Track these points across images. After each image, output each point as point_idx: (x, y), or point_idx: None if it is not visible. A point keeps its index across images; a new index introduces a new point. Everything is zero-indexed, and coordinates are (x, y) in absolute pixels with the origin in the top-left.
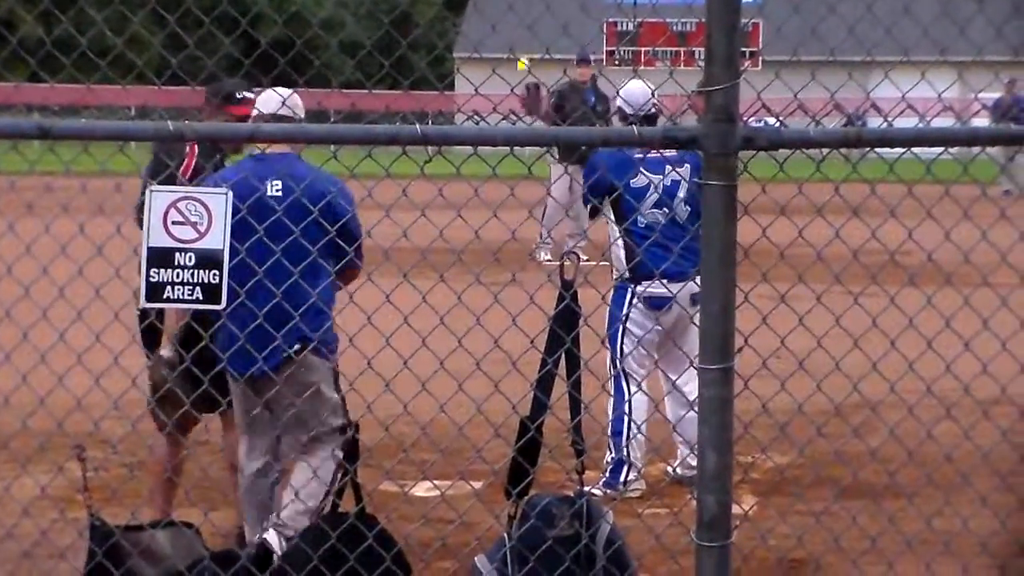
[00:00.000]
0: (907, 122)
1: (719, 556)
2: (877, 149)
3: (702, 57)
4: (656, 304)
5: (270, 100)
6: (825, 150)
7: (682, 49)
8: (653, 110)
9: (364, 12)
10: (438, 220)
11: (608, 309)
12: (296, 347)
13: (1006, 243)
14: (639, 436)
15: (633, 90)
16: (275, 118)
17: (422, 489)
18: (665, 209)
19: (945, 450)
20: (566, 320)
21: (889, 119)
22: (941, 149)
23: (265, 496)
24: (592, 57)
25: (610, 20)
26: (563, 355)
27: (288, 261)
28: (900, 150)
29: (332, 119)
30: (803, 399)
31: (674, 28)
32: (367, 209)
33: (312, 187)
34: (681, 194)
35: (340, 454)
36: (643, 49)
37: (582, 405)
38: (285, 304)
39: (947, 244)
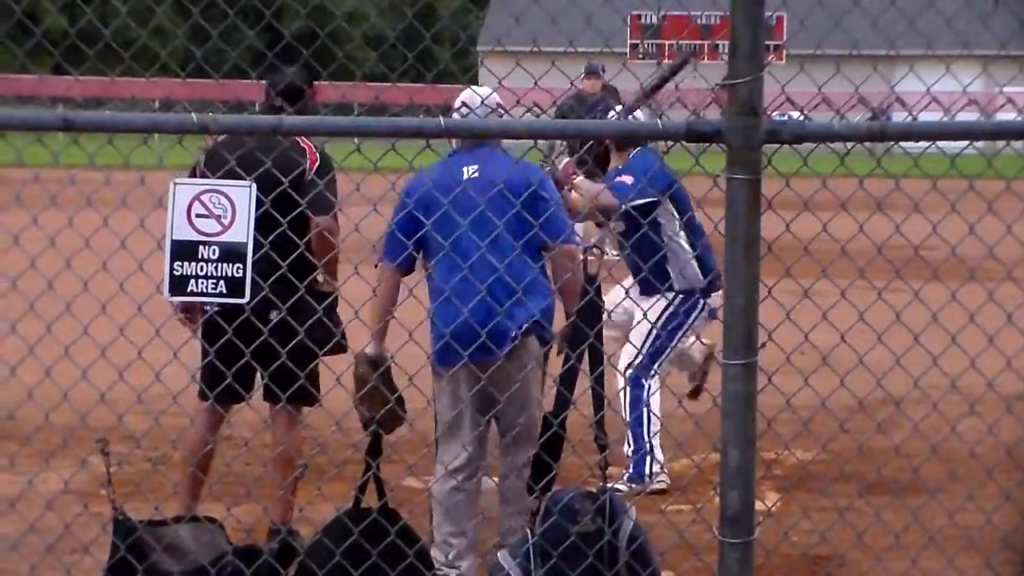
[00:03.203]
0: (931, 116)
1: (742, 552)
2: (901, 143)
3: (726, 50)
4: (714, 315)
5: (473, 98)
6: (849, 144)
7: (706, 42)
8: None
9: (388, 4)
10: None
11: (665, 315)
12: (524, 327)
13: None
14: (659, 431)
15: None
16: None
17: None
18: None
19: (969, 445)
20: (589, 315)
21: (913, 113)
22: (966, 143)
23: (470, 502)
24: (600, 67)
25: (634, 13)
26: (586, 350)
27: (493, 240)
28: (924, 144)
29: (356, 112)
30: (827, 395)
31: (698, 21)
32: (390, 202)
33: (507, 168)
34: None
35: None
36: (667, 42)
37: (605, 400)
38: (507, 284)
39: (971, 238)
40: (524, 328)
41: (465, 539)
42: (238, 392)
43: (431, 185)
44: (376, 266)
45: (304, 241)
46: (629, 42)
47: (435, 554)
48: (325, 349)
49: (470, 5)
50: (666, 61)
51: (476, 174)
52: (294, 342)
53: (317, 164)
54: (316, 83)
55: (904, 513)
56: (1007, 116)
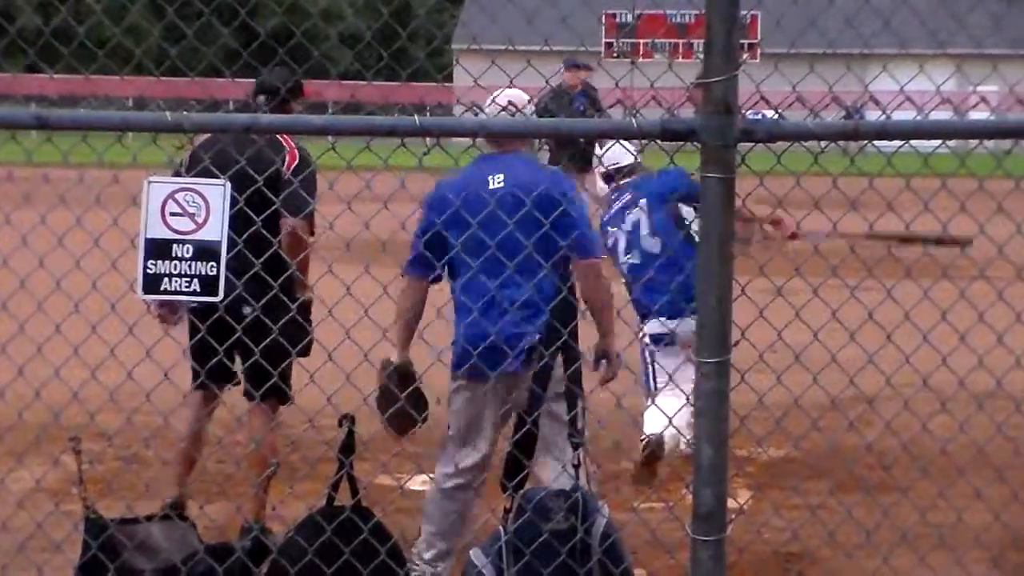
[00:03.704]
0: (905, 115)
1: (714, 550)
2: (875, 142)
3: (700, 49)
4: (657, 340)
5: (521, 97)
6: (823, 143)
7: (680, 41)
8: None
9: (363, 3)
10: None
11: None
12: (533, 342)
13: (1003, 236)
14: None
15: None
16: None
17: (418, 482)
18: (636, 251)
19: (940, 443)
20: (564, 313)
21: (887, 112)
22: (939, 142)
23: (463, 511)
24: (581, 62)
25: (608, 12)
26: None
27: (514, 251)
28: (898, 143)
29: (330, 110)
30: (799, 392)
31: (673, 20)
32: (363, 202)
33: (534, 179)
34: (644, 231)
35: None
36: (642, 41)
37: (579, 399)
38: (531, 298)
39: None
40: (536, 344)
41: (447, 544)
42: (225, 374)
43: (457, 195)
44: (402, 275)
45: (277, 240)
46: (603, 40)
47: (418, 548)
48: (298, 348)
49: (445, 4)
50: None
51: (501, 183)
52: (268, 340)
53: (296, 163)
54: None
55: (875, 511)
56: (980, 115)
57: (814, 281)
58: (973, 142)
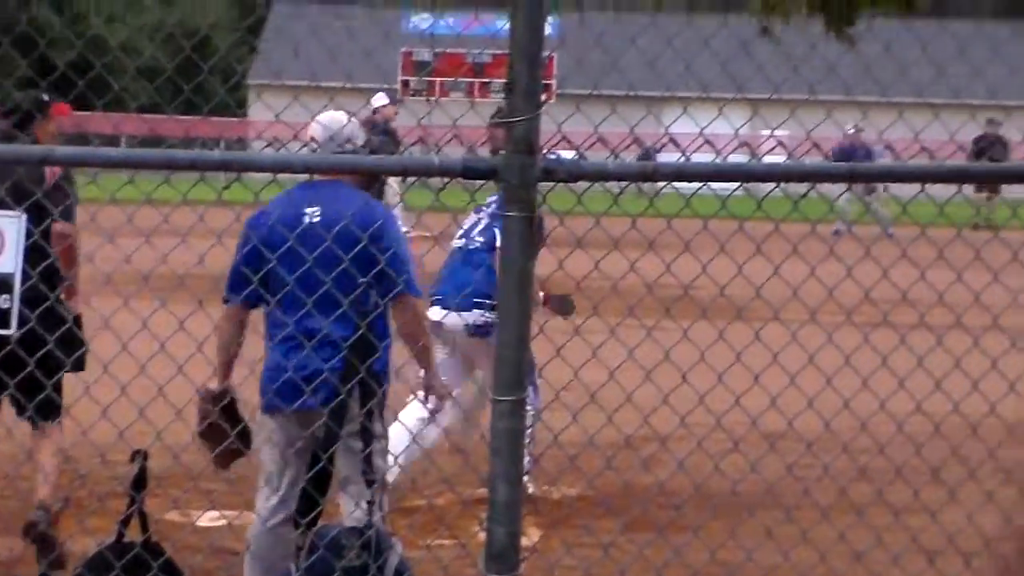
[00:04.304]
0: (704, 157)
1: None
2: (674, 183)
3: (499, 89)
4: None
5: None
6: (623, 183)
7: (477, 81)
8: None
9: (161, 38)
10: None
11: None
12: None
13: (797, 279)
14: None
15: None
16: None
17: (208, 519)
18: (464, 240)
19: (731, 483)
20: (362, 349)
21: (686, 153)
22: (736, 184)
23: (286, 548)
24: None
25: (404, 50)
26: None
27: (328, 289)
28: (697, 184)
29: (124, 143)
30: (594, 431)
31: (471, 59)
32: (163, 234)
33: (350, 212)
34: (477, 229)
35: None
36: (439, 80)
37: (375, 436)
38: (339, 333)
39: (740, 279)
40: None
41: None
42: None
43: (274, 225)
44: (224, 301)
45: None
46: (400, 79)
47: None
48: (71, 359)
49: (246, 37)
50: None
51: (318, 217)
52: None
53: (60, 173)
54: (54, 103)
55: (666, 550)
56: (777, 158)
57: (612, 320)
58: (769, 185)
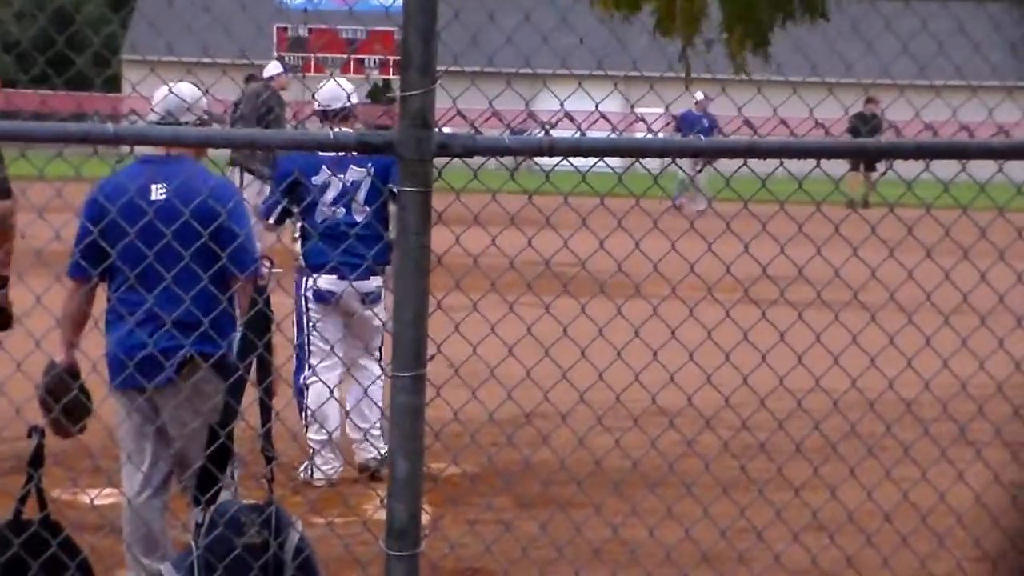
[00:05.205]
0: (599, 133)
1: (408, 565)
2: (570, 159)
3: (372, 65)
4: (320, 297)
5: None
6: (519, 159)
7: (351, 57)
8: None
9: (28, 11)
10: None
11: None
12: (191, 356)
13: (694, 255)
14: (315, 423)
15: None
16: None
17: (107, 497)
18: (342, 208)
19: (632, 460)
20: (258, 325)
21: (583, 129)
22: (632, 161)
23: (157, 524)
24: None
25: (280, 26)
26: (255, 360)
27: (171, 267)
28: (592, 160)
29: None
30: (494, 408)
31: (342, 35)
32: (56, 211)
33: (193, 190)
34: (360, 195)
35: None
36: (313, 55)
37: (273, 411)
38: (184, 312)
39: (637, 255)
40: (191, 357)
41: (150, 559)
42: None
43: (117, 201)
44: (68, 275)
45: None
46: (275, 54)
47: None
48: None
49: (111, 14)
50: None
51: (163, 196)
52: None
53: None
54: None
55: (568, 527)
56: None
57: (510, 297)
58: (667, 161)
